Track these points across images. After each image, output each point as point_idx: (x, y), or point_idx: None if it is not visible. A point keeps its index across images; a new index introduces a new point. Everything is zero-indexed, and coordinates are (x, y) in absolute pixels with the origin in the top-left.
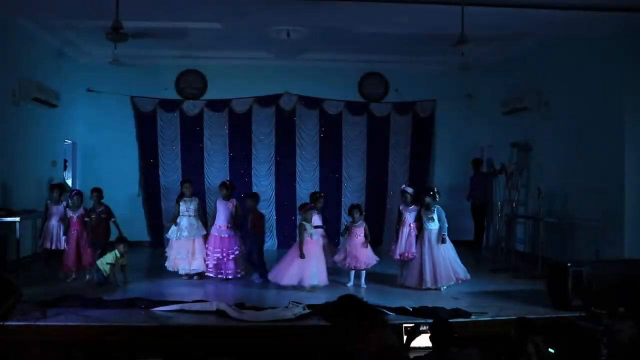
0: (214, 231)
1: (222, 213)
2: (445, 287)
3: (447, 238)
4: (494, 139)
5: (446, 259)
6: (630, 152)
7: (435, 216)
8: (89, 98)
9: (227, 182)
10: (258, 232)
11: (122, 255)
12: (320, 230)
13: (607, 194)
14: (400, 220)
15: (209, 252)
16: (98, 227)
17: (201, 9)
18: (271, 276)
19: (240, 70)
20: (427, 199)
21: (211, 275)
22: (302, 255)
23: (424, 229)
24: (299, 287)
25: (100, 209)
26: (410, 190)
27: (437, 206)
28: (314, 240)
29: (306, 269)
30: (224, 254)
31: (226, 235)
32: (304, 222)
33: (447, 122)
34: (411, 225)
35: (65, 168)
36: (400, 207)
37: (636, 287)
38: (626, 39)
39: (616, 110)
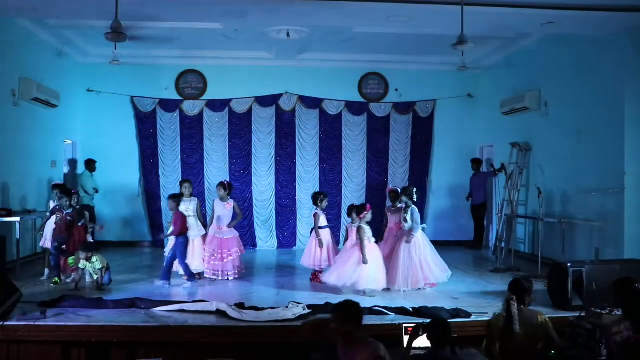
0: (211, 232)
1: (220, 213)
2: (403, 291)
3: (412, 238)
4: (494, 139)
5: (415, 261)
6: (630, 152)
7: (409, 216)
8: (89, 98)
9: (225, 183)
10: (181, 234)
11: (86, 259)
12: (327, 230)
13: (607, 194)
14: (386, 221)
15: (207, 253)
16: (59, 226)
17: (201, 9)
18: (324, 276)
19: (240, 70)
20: (404, 199)
21: (209, 276)
22: (365, 261)
23: (402, 228)
24: (341, 289)
25: (67, 212)
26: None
27: (412, 207)
28: (372, 245)
29: (363, 271)
30: (223, 255)
31: (224, 236)
32: (363, 225)
33: (447, 122)
34: (392, 226)
35: (93, 169)
36: (386, 208)
37: (629, 287)
38: (626, 39)
39: (616, 110)
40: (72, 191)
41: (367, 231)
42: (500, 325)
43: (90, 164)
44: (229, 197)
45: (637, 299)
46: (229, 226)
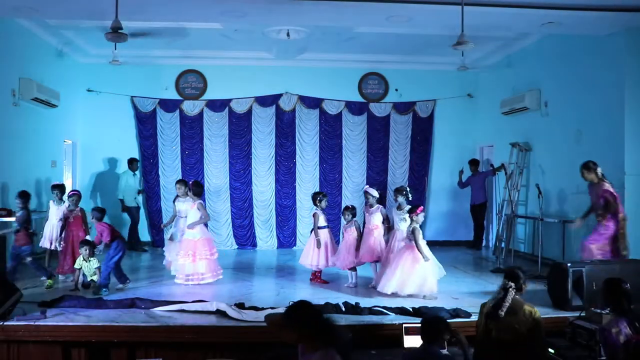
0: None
1: (189, 215)
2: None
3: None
4: (494, 139)
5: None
6: (630, 152)
7: (406, 216)
8: (89, 98)
9: (189, 184)
10: (114, 240)
11: (85, 259)
12: (327, 230)
13: None
14: (364, 222)
15: (179, 256)
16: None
17: (201, 9)
18: (380, 286)
19: (240, 70)
20: (400, 199)
21: (180, 282)
22: (426, 258)
23: (395, 229)
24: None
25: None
26: (371, 190)
27: (409, 206)
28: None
29: (412, 275)
30: (195, 257)
31: (187, 237)
32: (417, 226)
33: (447, 122)
34: (371, 227)
35: (135, 168)
36: (363, 209)
37: (618, 286)
38: (626, 39)
39: (616, 110)
40: (71, 192)
41: (420, 232)
42: (490, 305)
43: (132, 163)
44: (198, 198)
45: (627, 300)
46: (188, 227)
